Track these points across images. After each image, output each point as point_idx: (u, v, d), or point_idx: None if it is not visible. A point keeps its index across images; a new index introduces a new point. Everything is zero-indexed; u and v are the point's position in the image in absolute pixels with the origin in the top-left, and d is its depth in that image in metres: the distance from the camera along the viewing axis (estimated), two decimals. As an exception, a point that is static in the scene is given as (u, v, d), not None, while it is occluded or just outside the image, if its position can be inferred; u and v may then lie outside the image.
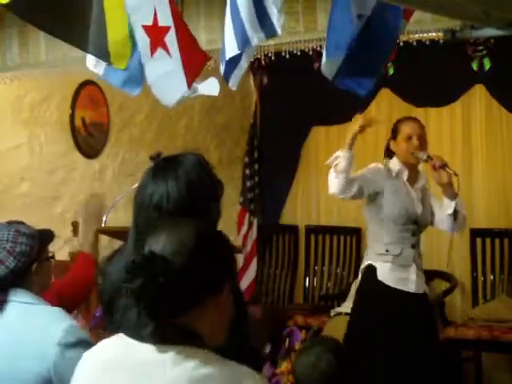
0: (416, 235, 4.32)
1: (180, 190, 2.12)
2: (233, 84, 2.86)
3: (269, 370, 4.86)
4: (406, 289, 4.30)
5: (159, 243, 1.61)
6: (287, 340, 5.22)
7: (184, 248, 1.59)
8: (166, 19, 2.71)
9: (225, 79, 2.84)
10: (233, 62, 2.76)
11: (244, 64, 2.79)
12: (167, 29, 2.72)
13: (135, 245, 2.18)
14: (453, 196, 4.20)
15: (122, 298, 2.17)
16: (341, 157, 4.09)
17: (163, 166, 2.19)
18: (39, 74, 4.91)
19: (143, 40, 2.63)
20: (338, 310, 5.67)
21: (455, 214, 4.19)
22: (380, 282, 4.31)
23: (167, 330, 1.59)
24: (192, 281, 1.58)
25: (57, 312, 2.49)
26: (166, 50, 2.75)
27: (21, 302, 2.47)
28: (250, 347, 2.20)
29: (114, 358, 1.64)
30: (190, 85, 2.84)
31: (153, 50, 2.67)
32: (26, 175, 5.26)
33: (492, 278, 5.86)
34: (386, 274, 4.32)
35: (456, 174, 4.18)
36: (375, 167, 4.32)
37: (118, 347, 1.66)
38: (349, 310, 5.30)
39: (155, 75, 2.74)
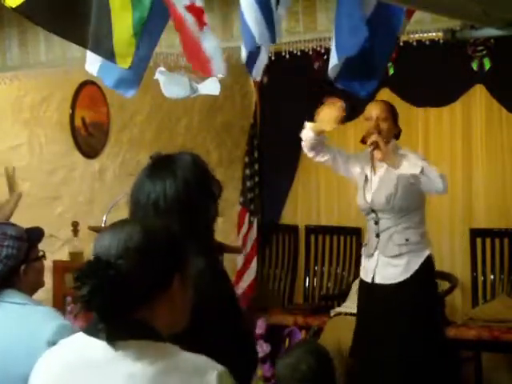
0: (380, 223, 4.27)
1: (177, 188, 2.14)
2: (256, 74, 2.91)
3: (269, 370, 4.86)
4: (366, 279, 4.34)
5: (104, 246, 1.63)
6: (287, 340, 5.22)
7: (127, 249, 1.61)
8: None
9: (248, 71, 2.91)
10: (252, 56, 2.82)
11: (264, 56, 2.85)
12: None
13: None
14: (393, 167, 4.17)
15: None
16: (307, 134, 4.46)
17: (159, 164, 2.21)
18: (39, 75, 4.91)
19: (190, 19, 2.65)
20: (338, 310, 5.67)
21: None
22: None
23: (120, 327, 1.59)
24: (138, 281, 1.59)
25: (48, 311, 2.48)
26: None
27: (11, 303, 2.45)
28: (242, 333, 2.20)
29: (73, 358, 1.64)
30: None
31: (200, 26, 2.69)
32: (26, 175, 5.25)
33: (492, 277, 5.86)
34: (361, 264, 4.47)
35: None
36: (365, 151, 4.47)
37: (78, 346, 1.65)
38: (349, 310, 5.31)
39: (211, 47, 2.76)
